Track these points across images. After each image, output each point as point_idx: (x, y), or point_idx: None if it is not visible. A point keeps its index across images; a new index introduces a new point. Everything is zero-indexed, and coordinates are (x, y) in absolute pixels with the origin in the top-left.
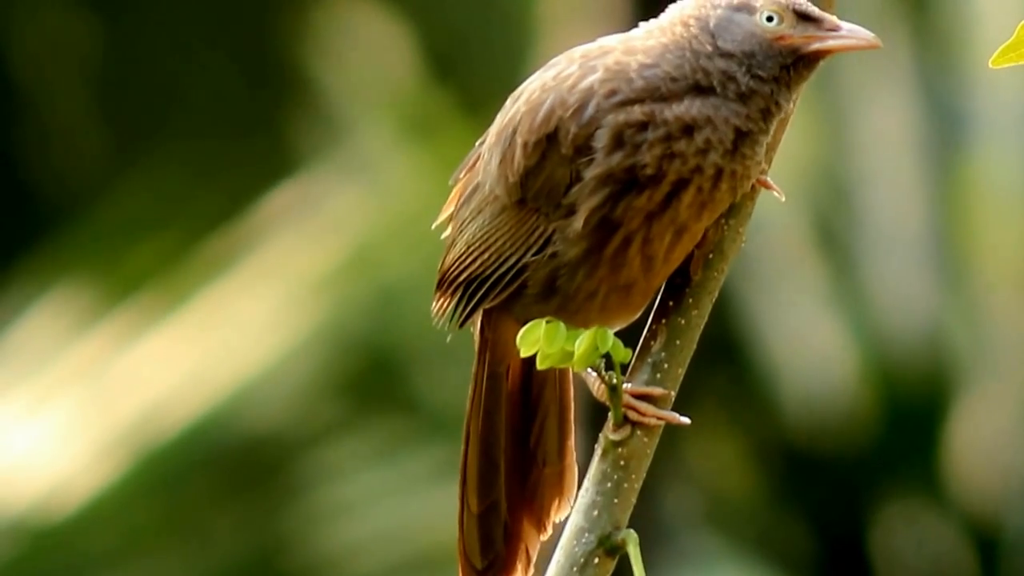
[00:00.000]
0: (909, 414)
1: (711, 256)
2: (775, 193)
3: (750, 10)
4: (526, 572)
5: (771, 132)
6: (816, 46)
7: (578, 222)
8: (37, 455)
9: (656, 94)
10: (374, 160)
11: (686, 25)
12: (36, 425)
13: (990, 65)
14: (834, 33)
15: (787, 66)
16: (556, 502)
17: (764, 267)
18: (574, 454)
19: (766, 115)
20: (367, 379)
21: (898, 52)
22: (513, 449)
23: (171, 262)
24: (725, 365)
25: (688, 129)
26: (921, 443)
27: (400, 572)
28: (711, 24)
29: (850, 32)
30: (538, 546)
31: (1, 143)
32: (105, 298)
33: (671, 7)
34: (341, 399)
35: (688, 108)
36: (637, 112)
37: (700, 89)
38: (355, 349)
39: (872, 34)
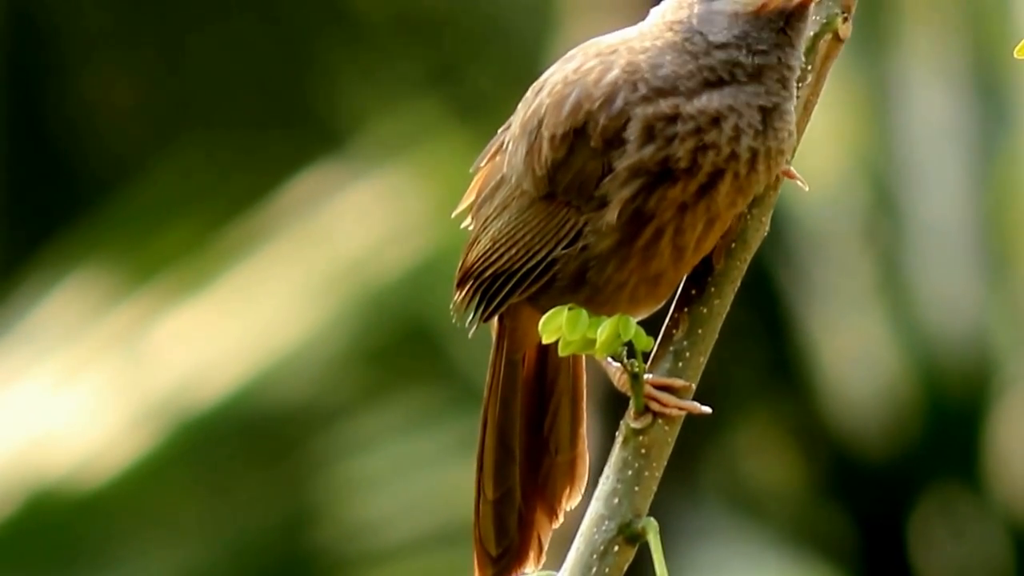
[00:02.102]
0: (952, 411)
1: (733, 245)
2: (798, 183)
3: None
4: (538, 560)
5: (795, 94)
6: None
7: (611, 214)
8: (70, 425)
9: (676, 90)
10: (412, 138)
11: (673, 31)
12: (69, 396)
13: (1015, 56)
14: None
15: (782, 28)
16: (568, 490)
17: (809, 265)
18: (585, 442)
19: (784, 82)
20: (399, 350)
21: (943, 48)
22: (527, 437)
23: (204, 239)
24: (769, 358)
25: (716, 120)
26: (963, 440)
27: (430, 543)
28: (694, 23)
29: None
30: (550, 534)
31: (42, 122)
32: (138, 272)
33: (652, 12)
34: (373, 370)
35: (709, 101)
36: (664, 106)
37: (712, 84)
38: (387, 320)
39: None
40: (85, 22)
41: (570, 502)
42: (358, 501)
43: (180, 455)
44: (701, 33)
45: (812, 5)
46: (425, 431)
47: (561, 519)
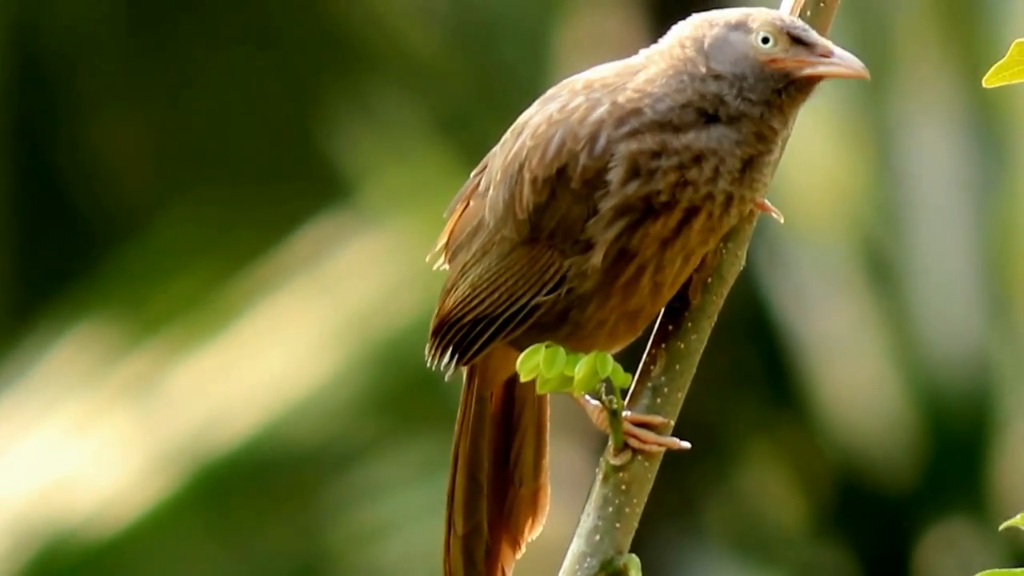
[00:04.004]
0: (955, 444)
1: (710, 280)
2: (774, 215)
3: (746, 30)
4: None
5: (775, 152)
6: (807, 71)
7: (597, 257)
8: (86, 472)
9: (667, 125)
10: (420, 188)
11: (682, 47)
12: (84, 444)
13: (984, 84)
14: (825, 59)
15: (778, 90)
16: (530, 521)
17: (812, 294)
18: (547, 473)
19: (760, 138)
20: (408, 398)
21: (946, 81)
22: (494, 470)
23: (213, 289)
24: (771, 394)
25: (697, 159)
26: (967, 471)
27: None
28: (705, 44)
29: (841, 59)
30: (513, 565)
31: (51, 172)
32: (148, 321)
33: (673, 29)
34: (383, 418)
35: (696, 138)
36: (649, 140)
37: (706, 116)
38: (396, 369)
39: (862, 64)
40: (92, 73)
41: (532, 533)
42: (371, 548)
43: (194, 502)
44: (706, 56)
45: (819, 82)
46: (435, 478)
47: (523, 549)
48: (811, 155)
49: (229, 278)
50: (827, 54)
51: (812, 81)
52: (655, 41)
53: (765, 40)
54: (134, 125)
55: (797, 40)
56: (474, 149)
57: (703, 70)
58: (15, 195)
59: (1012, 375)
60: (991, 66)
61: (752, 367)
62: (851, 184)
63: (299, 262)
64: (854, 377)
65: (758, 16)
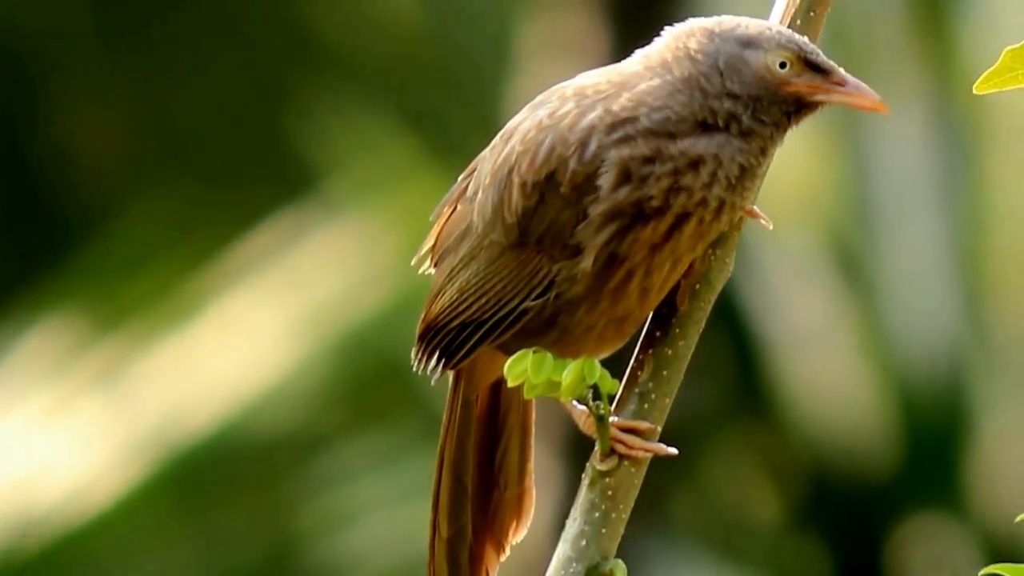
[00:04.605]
0: (928, 439)
1: (698, 286)
2: (763, 221)
3: (759, 47)
4: None
5: (765, 165)
6: (820, 98)
7: (587, 261)
8: (57, 461)
9: (662, 133)
10: (387, 180)
11: (694, 61)
12: (54, 433)
13: (974, 91)
14: (840, 88)
15: (789, 112)
16: (515, 524)
17: (783, 289)
18: (532, 476)
19: (764, 152)
20: (374, 387)
21: (917, 81)
22: (479, 473)
23: (181, 279)
24: (741, 390)
25: (695, 164)
26: (940, 468)
27: (408, 574)
28: (720, 62)
29: (856, 89)
30: (497, 568)
31: (20, 168)
32: (116, 312)
33: (668, 33)
34: (349, 406)
35: (694, 144)
36: (642, 146)
37: (706, 126)
38: (362, 358)
39: (877, 95)
40: (65, 68)
41: (516, 536)
42: (338, 533)
43: (161, 490)
44: (721, 75)
45: (824, 106)
46: (400, 464)
47: (507, 552)
48: (782, 153)
49: (196, 269)
50: (842, 82)
51: (820, 104)
52: (619, 41)
53: (782, 65)
54: (104, 119)
55: (812, 65)
56: (439, 142)
57: (718, 88)
58: None
59: (983, 369)
60: (960, 64)
61: (722, 362)
62: (822, 179)
63: (265, 253)
64: (825, 372)
65: (771, 36)
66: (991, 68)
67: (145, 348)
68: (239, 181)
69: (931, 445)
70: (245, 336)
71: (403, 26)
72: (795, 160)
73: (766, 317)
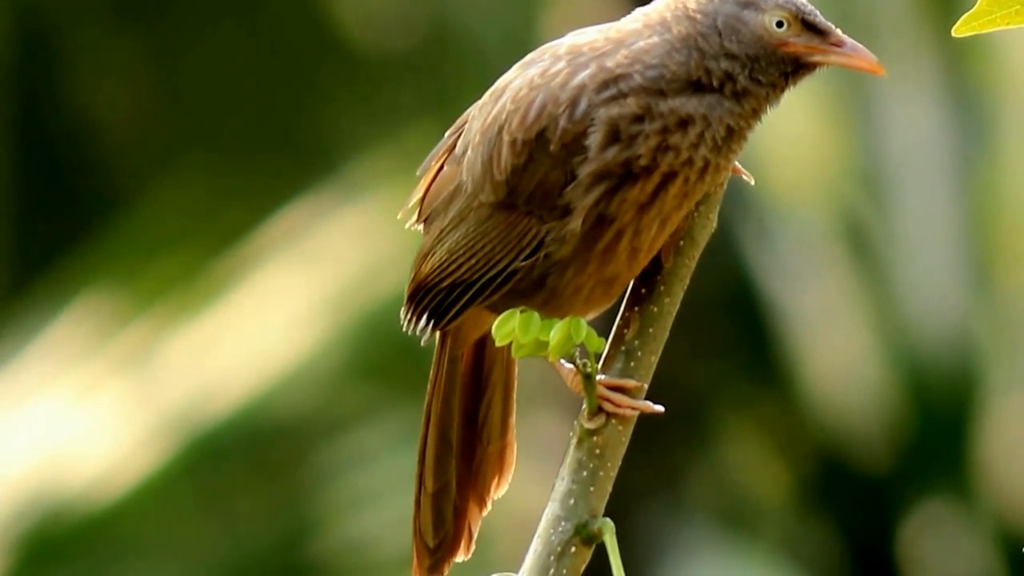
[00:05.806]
0: (938, 418)
1: (682, 243)
2: (744, 177)
3: (756, 7)
4: (468, 548)
5: (755, 126)
6: (818, 58)
7: (575, 222)
8: (84, 442)
9: (654, 90)
10: (406, 163)
11: (692, 20)
12: (82, 413)
13: (953, 34)
14: (837, 49)
15: (786, 73)
16: (496, 479)
17: (795, 268)
18: (514, 432)
19: (756, 113)
20: (394, 368)
21: (927, 54)
22: (463, 429)
23: (204, 263)
24: (755, 371)
25: (683, 123)
26: (950, 447)
27: None
28: (718, 22)
29: (853, 50)
30: (479, 523)
31: (47, 149)
32: (142, 295)
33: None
34: (369, 387)
35: (684, 103)
36: (632, 104)
37: (699, 86)
38: (382, 340)
39: (874, 56)
40: (89, 49)
41: (498, 491)
42: (356, 515)
43: (187, 471)
44: (720, 35)
45: (822, 66)
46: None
47: (490, 507)
48: (792, 128)
49: (220, 252)
50: (839, 43)
51: (818, 64)
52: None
53: (780, 24)
54: (129, 100)
55: (810, 26)
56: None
57: (716, 48)
58: (12, 170)
59: (995, 348)
60: (971, 36)
61: (734, 341)
62: (833, 156)
63: (286, 236)
64: (837, 351)
65: None
66: (969, 12)
67: (170, 330)
68: (263, 165)
69: (942, 424)
70: (267, 318)
71: (423, 11)
72: (806, 138)
73: (779, 297)
